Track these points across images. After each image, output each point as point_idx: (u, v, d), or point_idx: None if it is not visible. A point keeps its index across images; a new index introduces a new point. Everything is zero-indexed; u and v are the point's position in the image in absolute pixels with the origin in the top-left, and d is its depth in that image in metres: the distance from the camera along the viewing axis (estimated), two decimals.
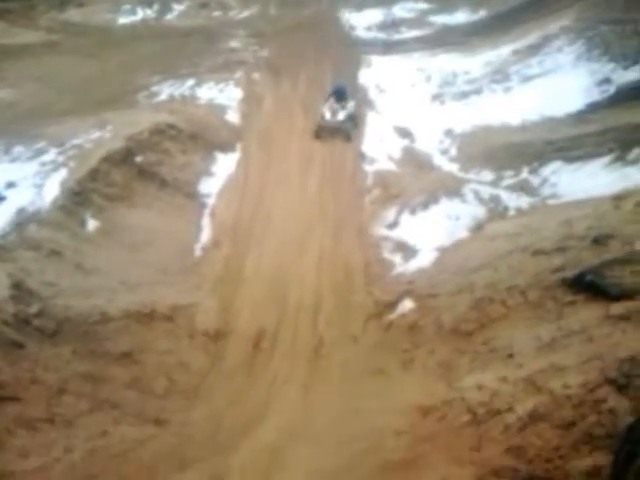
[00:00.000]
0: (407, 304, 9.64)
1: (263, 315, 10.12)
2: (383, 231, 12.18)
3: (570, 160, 13.40)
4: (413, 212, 12.43)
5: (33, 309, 8.57)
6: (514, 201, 12.44)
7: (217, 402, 8.27)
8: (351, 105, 17.14)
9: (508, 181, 13.47)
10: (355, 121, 16.88)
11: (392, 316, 9.59)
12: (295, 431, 7.58)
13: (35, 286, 9.08)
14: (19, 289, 8.76)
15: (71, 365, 8.05)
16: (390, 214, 12.64)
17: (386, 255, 11.43)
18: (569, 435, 5.65)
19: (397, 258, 11.27)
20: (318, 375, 8.90)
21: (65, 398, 7.52)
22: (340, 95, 17.23)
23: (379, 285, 10.57)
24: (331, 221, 12.77)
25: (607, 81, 16.06)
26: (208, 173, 14.61)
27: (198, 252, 11.85)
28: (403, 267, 10.96)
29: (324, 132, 16.34)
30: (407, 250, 11.37)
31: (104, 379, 8.10)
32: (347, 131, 16.31)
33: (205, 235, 12.38)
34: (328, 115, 16.68)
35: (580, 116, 15.31)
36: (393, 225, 12.30)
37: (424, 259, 10.88)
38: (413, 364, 8.48)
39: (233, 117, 17.20)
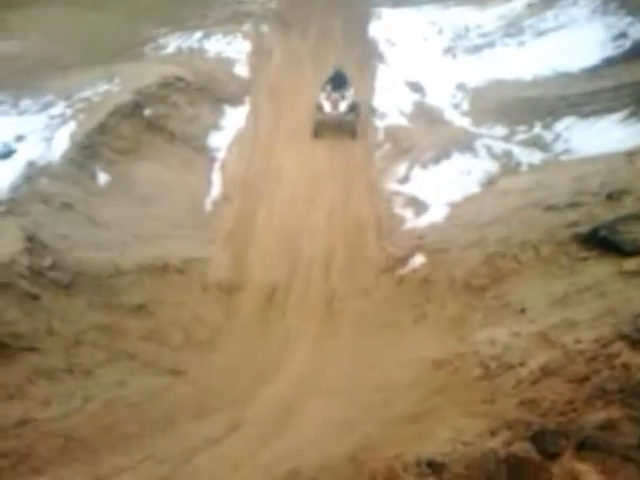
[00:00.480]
0: (419, 259, 9.67)
1: (275, 269, 10.20)
2: (394, 186, 12.12)
3: (584, 115, 13.20)
4: (424, 167, 12.35)
5: (47, 261, 8.63)
6: (527, 156, 12.32)
7: (232, 354, 8.41)
8: (351, 92, 14.67)
9: (521, 136, 13.29)
10: (357, 111, 14.49)
11: (404, 271, 9.64)
12: (309, 383, 7.71)
13: (48, 239, 9.11)
14: (32, 242, 8.79)
15: (87, 317, 8.16)
16: (401, 169, 12.57)
17: (397, 210, 11.41)
18: (582, 389, 5.66)
19: (408, 213, 11.25)
20: (331, 329, 9.02)
21: (82, 349, 7.66)
22: (339, 81, 14.80)
23: (391, 240, 10.59)
24: (342, 176, 12.72)
25: (623, 35, 15.68)
26: (217, 127, 14.48)
27: (209, 206, 11.86)
28: (414, 222, 10.95)
29: (325, 128, 14.24)
30: (418, 205, 11.34)
31: (120, 331, 8.22)
32: (352, 125, 14.21)
33: (215, 189, 12.36)
34: (328, 107, 14.28)
35: (595, 71, 15.01)
36: (404, 180, 12.24)
37: (435, 214, 10.87)
38: (425, 318, 8.56)
39: (242, 70, 16.88)
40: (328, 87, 14.66)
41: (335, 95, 14.39)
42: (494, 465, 5.07)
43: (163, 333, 8.51)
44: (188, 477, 6.14)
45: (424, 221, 10.84)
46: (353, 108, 14.38)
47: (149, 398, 7.33)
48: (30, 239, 8.77)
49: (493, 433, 5.48)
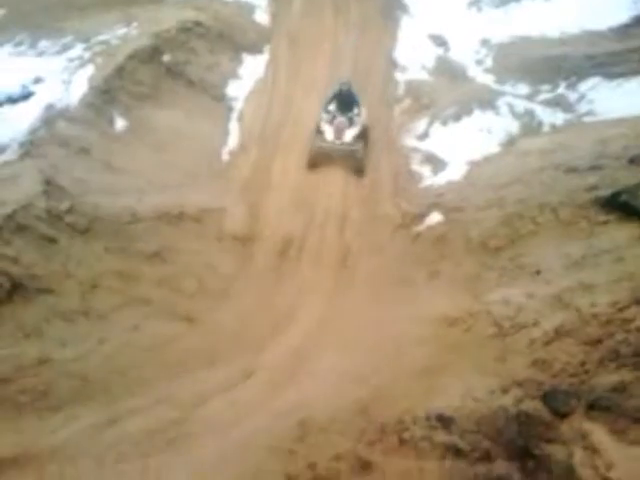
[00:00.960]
0: (435, 217, 9.61)
1: (290, 223, 10.20)
2: (413, 142, 11.97)
3: (610, 76, 12.87)
4: (444, 123, 12.16)
5: (65, 205, 8.64)
6: (549, 117, 12.10)
7: (245, 305, 8.49)
8: (361, 117, 11.86)
9: (544, 95, 13.04)
10: (366, 139, 11.80)
11: (419, 228, 9.60)
12: (321, 335, 7.80)
13: (65, 183, 9.12)
14: (50, 185, 8.81)
15: (103, 262, 8.22)
16: (420, 125, 12.38)
17: (415, 167, 11.30)
18: (595, 352, 5.69)
19: (426, 170, 11.14)
20: (344, 283, 9.06)
21: (98, 293, 7.74)
22: (346, 101, 11.97)
23: (407, 197, 10.52)
24: None
25: None
26: (235, 75, 14.24)
27: (226, 156, 11.78)
28: (432, 180, 10.86)
29: (323, 158, 11.49)
30: (437, 162, 11.21)
31: (135, 277, 8.29)
32: (360, 160, 11.38)
33: (233, 139, 12.26)
34: (330, 134, 11.53)
35: (624, 30, 14.53)
36: (423, 136, 12.06)
37: (454, 172, 10.74)
38: (439, 276, 8.56)
39: (261, 17, 16.47)
40: (332, 107, 11.96)
41: (341, 119, 11.63)
42: (504, 421, 5.14)
43: (178, 280, 8.57)
44: (200, 421, 6.27)
45: (442, 179, 10.74)
46: (362, 135, 11.71)
47: (163, 343, 7.44)
48: (48, 182, 8.78)
49: (504, 391, 5.54)
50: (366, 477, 4.75)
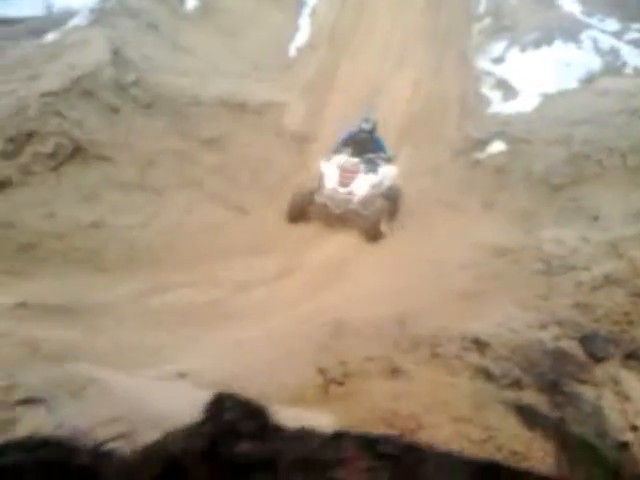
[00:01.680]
0: (498, 145, 9.36)
1: (349, 127, 10.02)
2: (487, 64, 11.53)
3: None
4: (522, 50, 11.64)
5: (130, 78, 8.65)
6: (635, 58, 11.45)
7: None
8: (389, 167, 8.51)
9: (633, 35, 12.29)
10: (396, 206, 8.40)
11: (481, 155, 9.38)
12: (365, 248, 7.78)
13: (132, 56, 9.10)
14: (117, 55, 8.78)
15: (162, 140, 8.27)
16: (498, 47, 11.88)
17: (485, 91, 10.92)
18: None
19: (496, 96, 10.77)
20: None
21: (155, 169, 7.84)
22: (365, 148, 8.44)
23: (473, 121, 10.24)
24: (435, 43, 12.10)
25: None
26: None
27: (293, 51, 11.55)
28: (501, 106, 10.50)
29: (313, 213, 8.14)
30: (508, 89, 10.82)
31: (192, 160, 8.33)
32: (374, 222, 7.91)
33: (302, 35, 11.98)
34: (331, 180, 8.12)
35: None
36: (499, 60, 11.60)
37: (525, 102, 10.36)
38: (494, 206, 8.43)
39: None
40: (347, 151, 8.44)
41: (353, 160, 8.23)
42: (539, 354, 5.14)
43: (232, 170, 8.59)
44: (240, 305, 6.37)
45: (511, 107, 10.38)
46: (388, 197, 8.30)
47: (212, 228, 7.55)
48: (115, 52, 8.76)
49: (543, 327, 5.51)
50: (395, 381, 4.83)
